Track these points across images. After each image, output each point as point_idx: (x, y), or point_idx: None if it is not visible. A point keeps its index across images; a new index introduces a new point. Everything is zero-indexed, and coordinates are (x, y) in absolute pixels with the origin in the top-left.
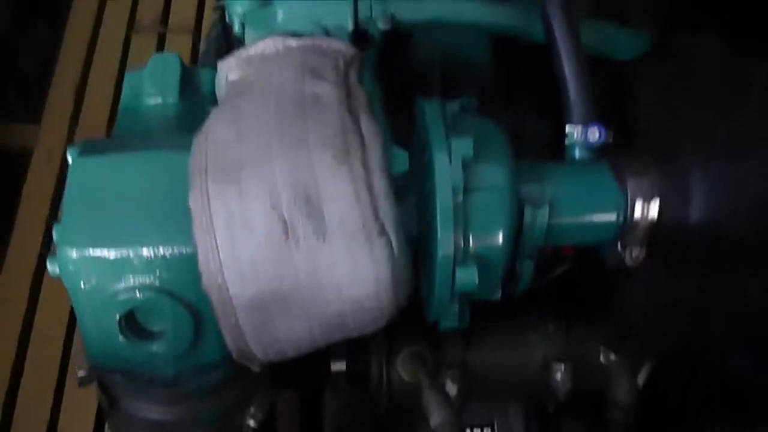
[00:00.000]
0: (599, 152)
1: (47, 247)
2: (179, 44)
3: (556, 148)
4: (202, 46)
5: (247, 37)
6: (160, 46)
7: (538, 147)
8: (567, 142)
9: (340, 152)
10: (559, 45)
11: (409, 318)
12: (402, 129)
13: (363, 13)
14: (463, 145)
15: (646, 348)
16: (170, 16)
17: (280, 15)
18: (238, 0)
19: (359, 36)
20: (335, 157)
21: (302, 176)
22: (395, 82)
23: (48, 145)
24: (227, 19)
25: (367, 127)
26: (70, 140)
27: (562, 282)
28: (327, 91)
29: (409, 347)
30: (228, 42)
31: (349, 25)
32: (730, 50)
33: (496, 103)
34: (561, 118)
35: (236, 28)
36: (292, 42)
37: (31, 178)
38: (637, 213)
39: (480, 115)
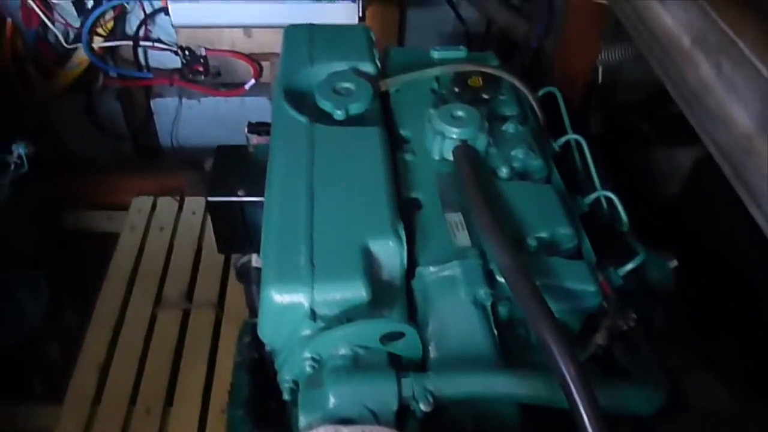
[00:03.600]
0: None
1: None
2: (203, 319)
3: None
4: (235, 356)
5: (301, 420)
6: (184, 321)
7: None
8: None
9: None
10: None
11: None
12: None
13: (406, 392)
14: None
15: None
16: (195, 292)
17: (331, 400)
18: (288, 367)
19: (403, 410)
20: None
21: None
22: None
23: (68, 428)
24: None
25: None
26: (90, 423)
27: None
28: None
29: None
30: (259, 352)
31: (394, 405)
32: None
33: None
34: None
35: (285, 395)
36: (344, 430)
37: None
38: None
39: None
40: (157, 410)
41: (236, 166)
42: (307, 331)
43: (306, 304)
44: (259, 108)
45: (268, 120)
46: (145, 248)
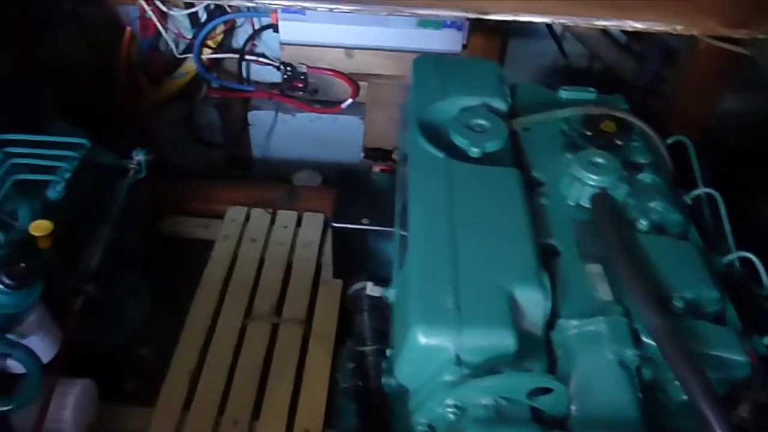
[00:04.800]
0: None
1: None
2: (291, 333)
3: None
4: (340, 382)
5: None
6: (273, 334)
7: None
8: None
9: None
10: None
11: None
12: None
13: None
14: None
15: None
16: (284, 307)
17: None
18: (425, 410)
19: None
20: None
21: None
22: None
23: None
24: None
25: None
26: (180, 428)
27: None
28: None
29: None
30: (364, 380)
31: None
32: None
33: None
34: None
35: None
36: None
37: None
38: None
39: None
40: (244, 422)
41: (360, 193)
42: (450, 377)
43: (452, 349)
44: (351, 126)
45: (359, 139)
46: (237, 258)
